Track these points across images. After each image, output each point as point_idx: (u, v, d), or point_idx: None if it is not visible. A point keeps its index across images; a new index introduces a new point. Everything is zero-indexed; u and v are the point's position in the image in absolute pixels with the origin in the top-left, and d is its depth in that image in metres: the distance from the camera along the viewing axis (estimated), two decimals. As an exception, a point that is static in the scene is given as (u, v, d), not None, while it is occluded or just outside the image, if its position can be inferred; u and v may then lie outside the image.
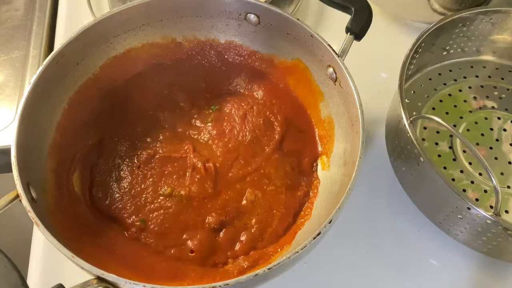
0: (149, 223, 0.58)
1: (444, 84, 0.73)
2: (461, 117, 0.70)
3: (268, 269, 0.45)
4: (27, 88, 0.54)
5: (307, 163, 0.64)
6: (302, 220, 0.60)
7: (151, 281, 0.47)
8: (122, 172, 0.61)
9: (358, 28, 0.59)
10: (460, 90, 0.73)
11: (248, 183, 0.62)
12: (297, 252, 0.46)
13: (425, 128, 0.69)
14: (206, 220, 0.59)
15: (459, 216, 0.56)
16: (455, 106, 0.72)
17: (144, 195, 0.60)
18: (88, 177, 0.61)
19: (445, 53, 0.74)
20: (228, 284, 0.44)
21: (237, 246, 0.58)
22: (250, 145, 0.64)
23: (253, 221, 0.59)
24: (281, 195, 0.61)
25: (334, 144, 0.63)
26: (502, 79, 0.74)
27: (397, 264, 0.62)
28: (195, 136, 0.65)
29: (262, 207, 0.60)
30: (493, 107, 0.72)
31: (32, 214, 0.47)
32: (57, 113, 0.60)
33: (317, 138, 0.66)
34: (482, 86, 0.74)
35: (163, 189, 0.60)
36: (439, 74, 0.74)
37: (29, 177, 0.51)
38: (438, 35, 0.68)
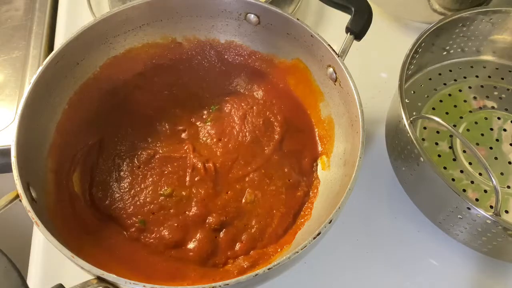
0: (149, 223, 0.58)
1: (444, 84, 0.73)
2: (461, 117, 0.70)
3: (268, 269, 0.45)
4: (27, 88, 0.54)
5: (307, 163, 0.64)
6: (302, 220, 0.60)
7: (151, 281, 0.47)
8: (122, 172, 0.61)
9: (358, 28, 0.59)
10: (460, 90, 0.73)
11: (248, 183, 0.62)
12: (297, 252, 0.46)
13: (425, 128, 0.69)
14: (206, 220, 0.59)
15: (459, 216, 0.56)
16: (455, 106, 0.72)
17: (144, 195, 0.60)
18: (88, 177, 0.61)
19: (445, 53, 0.74)
20: (228, 284, 0.44)
21: (237, 246, 0.58)
22: (250, 145, 0.64)
23: (253, 221, 0.59)
24: (281, 195, 0.61)
25: (334, 144, 0.63)
26: (502, 79, 0.74)
27: (397, 264, 0.62)
28: (195, 136, 0.65)
29: (262, 207, 0.60)
30: (493, 107, 0.72)
31: (32, 214, 0.47)
32: (57, 113, 0.60)
33: (317, 138, 0.66)
34: (482, 86, 0.74)
35: (163, 190, 0.60)
36: (439, 74, 0.74)
37: (29, 177, 0.51)
38: (438, 35, 0.68)
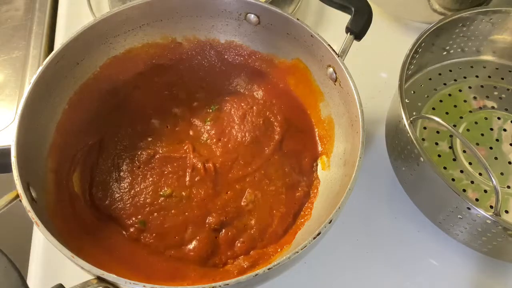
0: (149, 223, 0.58)
1: (444, 84, 0.73)
2: (461, 117, 0.70)
3: (268, 269, 0.45)
4: (27, 88, 0.54)
5: (307, 163, 0.64)
6: (302, 220, 0.60)
7: (151, 281, 0.47)
8: (122, 172, 0.61)
9: (358, 28, 0.59)
10: (460, 90, 0.73)
11: (248, 184, 0.62)
12: (297, 252, 0.46)
13: (425, 128, 0.69)
14: (206, 221, 0.59)
15: (459, 216, 0.56)
16: (455, 106, 0.72)
17: (144, 195, 0.60)
18: (88, 177, 0.61)
19: (445, 53, 0.74)
20: (228, 284, 0.44)
21: (237, 246, 0.58)
22: (250, 145, 0.64)
23: (253, 221, 0.59)
24: (281, 195, 0.61)
25: (334, 144, 0.63)
26: (502, 79, 0.74)
27: (397, 264, 0.62)
28: (195, 136, 0.65)
29: (262, 207, 0.60)
30: (493, 107, 0.72)
31: (32, 214, 0.47)
32: (57, 113, 0.60)
33: (317, 138, 0.66)
34: (482, 86, 0.74)
35: (163, 190, 0.60)
36: (439, 74, 0.74)
37: (29, 177, 0.51)
38: (438, 35, 0.68)
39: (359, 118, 0.54)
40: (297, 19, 0.61)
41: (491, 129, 0.70)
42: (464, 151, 0.67)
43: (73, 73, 0.61)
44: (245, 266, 0.56)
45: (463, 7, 0.74)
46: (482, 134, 0.69)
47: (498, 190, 0.52)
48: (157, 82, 0.68)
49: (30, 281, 0.60)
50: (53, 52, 0.57)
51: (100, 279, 0.44)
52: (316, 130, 0.66)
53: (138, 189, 0.60)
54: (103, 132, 0.64)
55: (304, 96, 0.67)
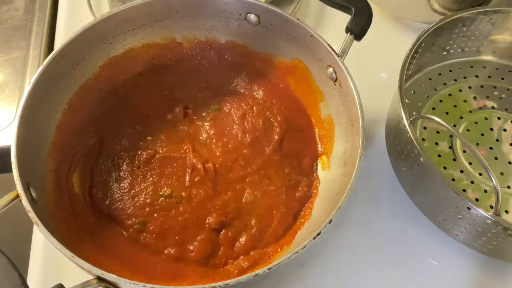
0: (149, 224, 0.58)
1: (444, 84, 0.73)
2: (461, 117, 0.70)
3: (268, 269, 0.45)
4: (27, 88, 0.54)
5: (307, 163, 0.64)
6: (302, 220, 0.60)
7: (151, 281, 0.47)
8: (122, 172, 0.61)
9: (358, 28, 0.59)
10: (460, 90, 0.73)
11: (248, 184, 0.62)
12: (297, 252, 0.46)
13: (425, 128, 0.69)
14: (206, 221, 0.59)
15: (459, 216, 0.56)
16: (455, 106, 0.72)
17: (143, 196, 0.60)
18: (88, 177, 0.61)
19: (445, 53, 0.74)
20: (228, 284, 0.44)
21: (237, 247, 0.58)
22: (250, 145, 0.64)
23: (253, 221, 0.59)
24: (281, 195, 0.61)
25: (334, 144, 0.63)
26: (502, 79, 0.74)
27: (397, 264, 0.62)
28: (195, 136, 0.65)
29: (262, 208, 0.60)
30: (493, 107, 0.72)
31: (32, 214, 0.47)
32: (57, 113, 0.60)
33: (317, 138, 0.66)
34: (482, 86, 0.74)
35: (163, 191, 0.60)
36: (439, 74, 0.74)
37: (29, 177, 0.51)
38: (438, 35, 0.68)
39: (359, 118, 0.54)
40: (297, 19, 0.61)
41: (491, 129, 0.70)
42: (464, 151, 0.67)
43: (73, 73, 0.61)
44: (245, 266, 0.56)
45: (463, 7, 0.74)
46: (482, 134, 0.69)
47: (498, 190, 0.52)
48: (157, 82, 0.68)
49: (30, 281, 0.60)
50: (53, 52, 0.57)
51: (100, 279, 0.44)
52: (316, 130, 0.66)
53: (138, 189, 0.60)
54: (103, 132, 0.64)
55: (304, 96, 0.67)
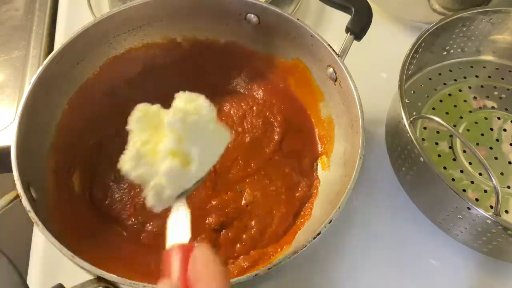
0: (149, 224, 0.58)
1: (444, 84, 0.73)
2: (461, 117, 0.70)
3: (268, 269, 0.45)
4: (27, 88, 0.54)
5: (307, 163, 0.64)
6: (302, 220, 0.60)
7: (151, 281, 0.47)
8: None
9: (358, 28, 0.59)
10: (460, 90, 0.73)
11: (248, 184, 0.62)
12: (297, 252, 0.46)
13: (425, 128, 0.69)
14: (206, 221, 0.59)
15: (459, 216, 0.56)
16: (455, 106, 0.72)
17: (143, 196, 0.60)
18: (88, 177, 0.61)
19: (445, 53, 0.74)
20: (228, 284, 0.44)
21: (237, 247, 0.58)
22: (249, 145, 0.64)
23: (253, 221, 0.59)
24: (281, 196, 0.61)
25: (334, 144, 0.63)
26: (502, 79, 0.74)
27: (397, 264, 0.62)
28: (195, 136, 0.65)
29: (262, 208, 0.60)
30: (493, 107, 0.72)
31: (32, 214, 0.47)
32: (57, 113, 0.60)
33: (317, 138, 0.66)
34: (482, 86, 0.74)
35: (163, 190, 0.60)
36: (439, 74, 0.74)
37: (29, 177, 0.51)
38: (438, 35, 0.68)
39: (359, 118, 0.54)
40: (297, 19, 0.61)
41: (491, 129, 0.70)
42: (464, 151, 0.67)
43: (73, 73, 0.61)
44: (245, 266, 0.56)
45: (463, 7, 0.74)
46: (482, 134, 0.69)
47: (498, 190, 0.52)
48: (157, 82, 0.68)
49: (30, 281, 0.60)
50: (53, 52, 0.57)
51: (100, 279, 0.44)
52: (316, 130, 0.66)
53: (138, 189, 0.60)
54: (103, 132, 0.63)
55: (304, 96, 0.67)
